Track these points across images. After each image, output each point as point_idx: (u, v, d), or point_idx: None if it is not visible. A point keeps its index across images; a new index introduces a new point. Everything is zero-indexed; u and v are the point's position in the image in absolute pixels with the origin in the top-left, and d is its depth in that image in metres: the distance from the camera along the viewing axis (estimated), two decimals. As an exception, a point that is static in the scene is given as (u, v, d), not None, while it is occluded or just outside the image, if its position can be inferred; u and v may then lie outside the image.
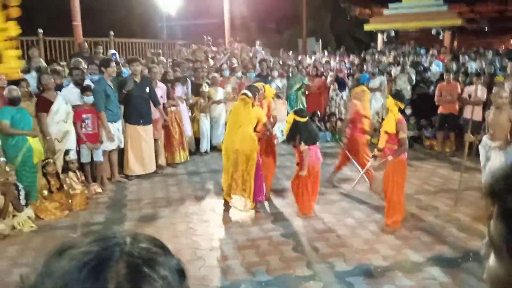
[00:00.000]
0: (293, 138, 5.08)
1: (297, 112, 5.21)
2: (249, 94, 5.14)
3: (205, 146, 8.51)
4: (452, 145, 8.39)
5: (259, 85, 5.68)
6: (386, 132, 4.76)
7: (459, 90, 8.13)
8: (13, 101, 5.27)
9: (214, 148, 8.63)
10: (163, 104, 7.30)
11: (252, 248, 4.35)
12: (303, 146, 4.99)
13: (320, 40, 20.20)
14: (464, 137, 5.75)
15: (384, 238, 4.52)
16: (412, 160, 7.74)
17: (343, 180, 6.64)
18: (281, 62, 10.78)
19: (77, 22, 10.07)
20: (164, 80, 7.66)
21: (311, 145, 5.08)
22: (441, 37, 17.64)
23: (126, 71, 7.48)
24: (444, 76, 8.46)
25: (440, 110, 8.38)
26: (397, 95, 4.87)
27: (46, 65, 7.82)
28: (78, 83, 6.37)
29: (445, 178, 6.76)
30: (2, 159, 4.68)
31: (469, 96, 7.91)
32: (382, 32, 19.08)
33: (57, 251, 0.58)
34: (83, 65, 7.19)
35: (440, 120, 8.41)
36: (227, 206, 5.32)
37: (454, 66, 9.36)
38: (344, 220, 5.07)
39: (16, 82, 5.77)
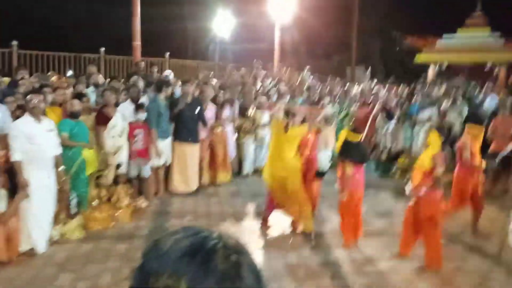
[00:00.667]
0: (344, 155, 5.01)
1: (352, 130, 5.14)
2: (280, 116, 5.25)
3: (247, 168, 8.63)
4: (505, 183, 8.00)
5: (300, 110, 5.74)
6: (420, 168, 4.58)
7: (515, 127, 7.81)
8: (74, 115, 5.60)
9: (257, 171, 8.72)
10: (210, 125, 7.52)
11: (288, 275, 4.36)
12: (349, 168, 4.91)
13: (369, 68, 20.08)
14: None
15: (425, 277, 4.39)
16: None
17: (385, 213, 6.51)
18: (328, 89, 10.83)
19: (137, 42, 10.66)
20: (214, 101, 7.91)
21: (359, 164, 4.99)
22: (495, 72, 17.05)
23: (177, 91, 7.80)
24: (500, 111, 8.17)
25: (492, 147, 8.06)
26: (440, 129, 4.81)
27: (104, 81, 8.30)
28: (134, 100, 6.72)
29: (494, 218, 6.45)
30: (62, 167, 4.99)
31: (525, 134, 7.59)
32: (434, 63, 18.71)
33: (161, 237, 0.70)
34: (141, 83, 7.58)
35: (491, 158, 8.07)
36: (265, 225, 5.46)
37: (509, 103, 9.00)
38: (385, 254, 4.97)
39: (79, 97, 6.16)
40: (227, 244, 0.69)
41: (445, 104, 9.61)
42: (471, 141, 5.39)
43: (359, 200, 5.12)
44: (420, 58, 19.25)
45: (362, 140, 5.18)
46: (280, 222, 5.67)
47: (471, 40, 17.79)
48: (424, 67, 19.86)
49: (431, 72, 18.77)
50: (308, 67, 13.45)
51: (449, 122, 9.02)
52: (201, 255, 0.65)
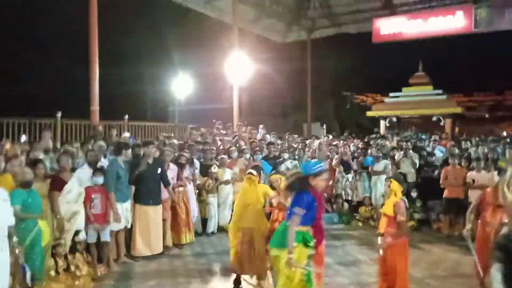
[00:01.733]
0: None
1: None
2: (254, 172, 5.43)
3: (212, 226, 8.51)
4: (460, 228, 8.31)
5: (276, 177, 5.76)
6: (385, 215, 4.75)
7: (464, 174, 8.28)
8: (26, 184, 5.34)
9: (221, 229, 8.61)
10: (172, 185, 7.45)
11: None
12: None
13: (325, 125, 20.93)
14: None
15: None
16: (421, 243, 7.68)
17: (352, 262, 6.54)
18: (287, 145, 11.11)
19: (95, 107, 10.61)
20: (175, 162, 7.90)
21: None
22: (442, 124, 18.23)
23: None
24: (450, 160, 8.67)
25: (445, 194, 8.47)
26: (397, 178, 4.93)
27: (56, 147, 8.11)
28: (92, 164, 6.59)
29: (456, 262, 6.64)
30: (15, 239, 4.72)
31: (473, 181, 8.05)
32: (384, 118, 19.81)
33: None
34: (103, 148, 7.48)
35: (446, 204, 8.46)
36: (237, 283, 5.41)
37: (456, 151, 9.61)
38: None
39: (34, 163, 5.97)
40: None
41: (398, 155, 10.10)
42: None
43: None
44: (370, 113, 20.36)
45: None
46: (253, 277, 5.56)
47: (416, 96, 19.15)
48: (376, 122, 20.96)
49: (382, 126, 19.79)
50: (262, 125, 13.85)
51: (403, 172, 9.45)
52: None
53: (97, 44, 10.33)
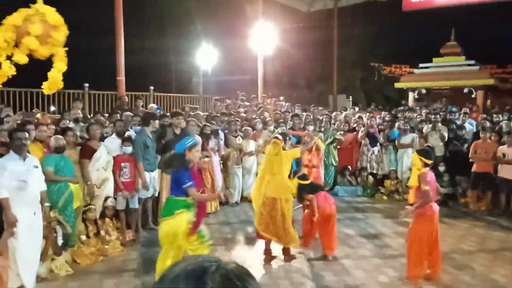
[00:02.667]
0: (301, 197, 5.66)
1: (300, 178, 5.73)
2: (280, 137, 5.42)
3: (236, 197, 8.63)
4: (488, 203, 8.17)
5: (310, 134, 6.41)
6: (412, 187, 4.89)
7: (495, 148, 8.05)
8: (58, 149, 5.58)
9: (245, 199, 8.73)
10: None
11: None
12: (310, 197, 5.49)
13: (351, 97, 20.57)
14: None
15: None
16: (447, 218, 7.58)
17: (375, 235, 6.55)
18: (312, 117, 11.01)
19: (121, 77, 10.72)
20: (201, 133, 7.97)
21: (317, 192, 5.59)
22: (473, 96, 17.62)
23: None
24: (481, 134, 8.42)
25: (474, 168, 8.27)
26: (423, 152, 4.94)
27: (86, 116, 8.29)
28: (120, 134, 6.73)
29: (481, 237, 6.55)
30: (47, 204, 4.92)
31: (504, 155, 7.82)
32: (413, 90, 19.28)
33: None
34: (129, 118, 7.62)
35: (475, 178, 8.28)
36: (269, 256, 5.49)
37: (487, 125, 9.30)
38: (376, 277, 4.98)
39: (63, 131, 6.16)
40: (225, 266, 0.76)
41: (426, 128, 9.87)
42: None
43: (327, 217, 5.48)
44: (398, 85, 19.84)
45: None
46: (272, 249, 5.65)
47: (447, 67, 18.49)
48: (403, 94, 20.44)
49: (410, 98, 19.29)
50: (282, 97, 13.71)
51: (431, 145, 9.25)
52: (197, 275, 0.72)
53: (122, 15, 10.34)
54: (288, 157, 5.45)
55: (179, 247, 4.38)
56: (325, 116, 10.67)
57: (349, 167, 9.87)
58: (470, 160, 8.31)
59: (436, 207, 4.73)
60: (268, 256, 5.50)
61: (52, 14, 4.42)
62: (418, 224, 4.68)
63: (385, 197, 9.19)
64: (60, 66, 4.75)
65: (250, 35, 14.62)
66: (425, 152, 4.92)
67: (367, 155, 9.81)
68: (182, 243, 4.35)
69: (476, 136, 8.96)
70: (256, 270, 5.25)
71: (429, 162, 4.75)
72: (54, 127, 6.59)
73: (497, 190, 8.02)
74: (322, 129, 9.88)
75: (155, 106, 10.06)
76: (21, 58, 4.68)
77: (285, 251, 5.52)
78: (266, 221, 5.31)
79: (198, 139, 5.67)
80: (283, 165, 5.33)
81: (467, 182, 8.54)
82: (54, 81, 4.84)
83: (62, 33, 4.45)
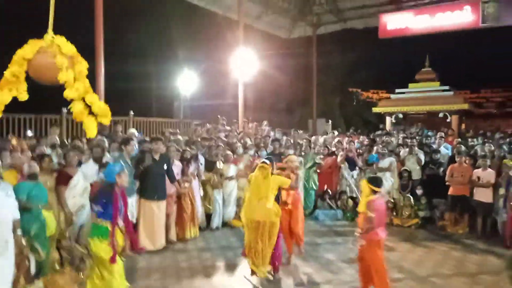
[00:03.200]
0: None
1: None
2: (267, 162, 5.43)
3: (216, 222, 8.54)
4: (465, 226, 8.30)
5: (294, 157, 6.34)
6: (360, 213, 4.92)
7: (470, 172, 8.23)
8: (31, 176, 5.45)
9: (225, 224, 8.65)
10: (178, 180, 7.49)
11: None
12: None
13: (330, 121, 20.87)
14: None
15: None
16: (426, 241, 7.66)
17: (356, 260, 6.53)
18: (292, 141, 11.10)
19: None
20: (181, 158, 7.93)
21: None
22: (448, 120, 18.10)
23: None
24: (456, 158, 8.61)
25: (451, 191, 8.42)
26: (372, 179, 5.00)
27: (64, 142, 8.18)
28: (97, 160, 6.64)
29: (459, 260, 6.61)
30: (19, 231, 4.77)
31: (478, 178, 8.01)
32: (390, 114, 19.70)
33: None
34: (105, 143, 7.53)
35: (452, 201, 8.42)
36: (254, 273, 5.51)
37: (462, 149, 9.54)
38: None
39: (40, 157, 6.05)
40: None
41: (403, 152, 10.06)
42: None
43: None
44: (376, 110, 20.27)
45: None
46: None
47: (422, 92, 19.03)
48: (381, 119, 20.86)
49: (388, 123, 19.69)
50: (265, 122, 13.81)
51: (408, 169, 9.41)
52: None
53: (102, 39, 10.34)
54: (276, 183, 5.46)
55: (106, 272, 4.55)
56: (305, 140, 10.78)
57: (329, 190, 9.91)
58: (447, 183, 8.47)
59: (382, 233, 4.82)
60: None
61: (65, 45, 4.40)
62: (369, 251, 4.75)
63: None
64: (91, 98, 4.67)
65: (231, 61, 14.79)
66: (374, 180, 5.00)
67: (347, 178, 9.90)
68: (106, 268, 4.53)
69: (451, 159, 9.15)
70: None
71: (377, 189, 4.83)
72: (29, 153, 6.47)
73: (474, 213, 8.16)
74: (303, 153, 9.96)
75: (135, 131, 9.99)
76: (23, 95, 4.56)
77: (253, 272, 5.55)
78: (250, 244, 5.37)
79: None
80: (270, 189, 5.34)
81: (444, 205, 8.67)
82: (102, 111, 4.77)
83: (83, 64, 4.41)
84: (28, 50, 4.21)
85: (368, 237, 4.73)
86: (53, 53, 4.17)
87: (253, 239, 5.36)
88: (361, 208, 4.93)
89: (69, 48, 4.29)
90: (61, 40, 4.31)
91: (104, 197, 4.48)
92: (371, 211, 4.71)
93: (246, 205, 5.57)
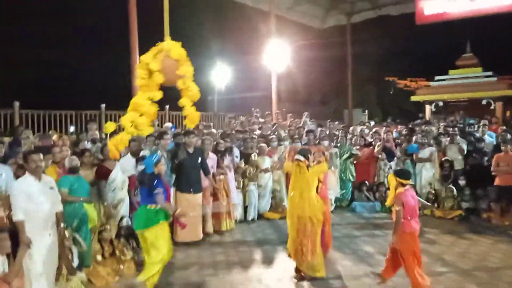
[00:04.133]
0: None
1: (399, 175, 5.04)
2: (301, 158, 5.28)
3: (252, 214, 8.55)
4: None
5: (321, 148, 6.17)
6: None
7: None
8: (73, 170, 5.62)
9: (261, 217, 8.64)
10: (213, 173, 7.53)
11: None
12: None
13: (366, 111, 20.42)
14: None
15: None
16: (469, 234, 7.36)
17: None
18: (327, 132, 10.92)
19: (137, 97, 10.85)
20: (215, 150, 7.97)
21: None
22: (492, 107, 17.29)
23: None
24: (502, 146, 8.21)
25: (497, 182, 8.04)
26: (399, 172, 4.99)
27: (102, 137, 8.40)
28: (135, 154, 6.76)
29: (505, 253, 6.30)
30: (63, 224, 4.93)
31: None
32: (430, 102, 19.03)
33: None
34: (143, 137, 7.65)
35: (498, 192, 8.03)
36: (300, 276, 5.33)
37: (508, 137, 9.06)
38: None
39: (81, 153, 6.24)
40: None
41: (444, 141, 9.68)
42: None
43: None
44: (415, 98, 19.63)
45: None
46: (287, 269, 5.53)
47: (464, 79, 18.24)
48: (420, 107, 20.20)
49: (427, 111, 19.04)
50: (306, 113, 13.66)
51: (450, 158, 9.06)
52: None
53: (137, 35, 10.53)
54: (314, 174, 5.31)
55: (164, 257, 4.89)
56: (341, 131, 10.57)
57: (366, 182, 9.69)
58: (493, 173, 8.08)
59: (415, 224, 4.72)
60: (299, 275, 5.38)
61: (176, 49, 4.88)
62: (402, 242, 4.66)
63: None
64: (186, 101, 5.12)
65: (264, 53, 14.70)
66: (401, 172, 4.96)
67: (385, 170, 9.63)
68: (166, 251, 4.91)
69: (496, 148, 8.73)
70: (273, 290, 5.15)
71: (406, 182, 4.77)
72: (68, 148, 6.68)
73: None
74: (338, 144, 9.78)
75: (170, 124, 10.12)
76: (156, 95, 5.07)
77: (297, 270, 5.39)
78: (295, 240, 5.26)
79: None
80: (310, 183, 5.23)
81: (490, 196, 8.30)
82: (192, 116, 5.25)
83: (187, 67, 4.83)
84: (149, 54, 4.86)
85: (402, 229, 4.65)
86: (166, 57, 4.80)
87: (298, 236, 5.23)
88: (389, 202, 4.90)
89: (179, 52, 4.84)
90: (173, 44, 4.85)
91: (158, 182, 4.88)
92: (398, 205, 4.66)
93: (289, 202, 5.46)
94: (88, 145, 7.47)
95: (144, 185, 5.04)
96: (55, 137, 7.82)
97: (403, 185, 4.76)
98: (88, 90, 19.02)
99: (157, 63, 4.83)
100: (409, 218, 4.64)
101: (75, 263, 5.22)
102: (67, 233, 5.06)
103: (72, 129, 11.73)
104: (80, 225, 5.44)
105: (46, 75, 18.98)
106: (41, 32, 19.76)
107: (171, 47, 4.79)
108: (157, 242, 4.85)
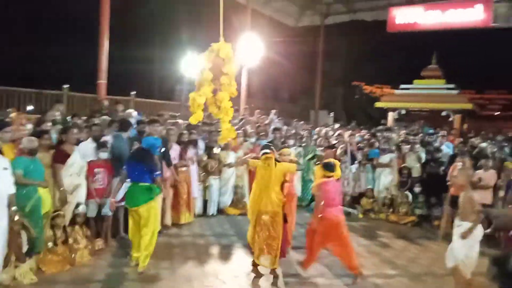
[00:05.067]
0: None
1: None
2: (268, 151, 5.29)
3: (212, 209, 8.52)
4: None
5: (288, 151, 6.22)
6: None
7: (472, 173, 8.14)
8: (31, 152, 5.37)
9: (221, 212, 8.62)
10: (175, 164, 7.43)
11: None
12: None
13: (332, 113, 20.75)
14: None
15: None
16: (421, 239, 7.64)
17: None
18: (294, 131, 11.02)
19: (103, 81, 10.57)
20: (178, 141, 7.86)
21: None
22: (451, 119, 17.99)
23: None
24: (458, 158, 8.52)
25: (452, 191, 8.36)
26: (325, 165, 5.56)
27: (65, 119, 8.10)
28: (96, 139, 6.56)
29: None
30: (14, 207, 4.73)
31: (479, 179, 7.93)
32: (393, 110, 19.57)
33: None
34: (105, 122, 7.45)
35: (451, 201, 8.35)
36: (257, 271, 5.37)
37: (465, 149, 9.45)
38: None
39: (39, 133, 5.97)
40: None
41: (404, 149, 9.98)
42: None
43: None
44: (379, 104, 20.12)
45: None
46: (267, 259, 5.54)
47: (426, 89, 18.86)
48: (383, 114, 20.74)
49: (390, 118, 19.57)
50: (274, 110, 13.71)
51: (408, 166, 9.35)
52: None
53: (107, 18, 10.24)
54: (281, 170, 5.31)
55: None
56: (306, 131, 10.69)
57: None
58: (448, 183, 8.40)
59: (335, 212, 5.37)
60: (256, 270, 5.41)
61: (224, 49, 5.38)
62: (318, 225, 5.35)
63: (360, 215, 9.21)
64: (225, 95, 5.41)
65: (236, 46, 14.60)
66: (326, 165, 5.53)
67: (345, 172, 9.82)
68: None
69: (452, 158, 9.08)
70: (229, 285, 5.15)
71: (329, 174, 5.44)
72: (28, 127, 6.40)
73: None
74: (303, 144, 9.88)
75: (134, 112, 9.89)
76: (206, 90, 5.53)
77: (254, 264, 5.41)
78: (254, 235, 5.33)
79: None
80: (275, 178, 5.24)
81: (442, 204, 8.63)
82: (227, 132, 5.89)
83: (231, 66, 5.44)
84: (206, 53, 5.49)
85: (320, 214, 5.30)
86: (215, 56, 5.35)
87: (265, 231, 5.26)
88: (313, 189, 5.60)
89: (226, 52, 5.37)
90: (223, 45, 5.40)
91: (150, 164, 5.40)
92: (318, 191, 5.38)
93: (253, 197, 5.47)
94: (48, 126, 7.18)
95: (144, 164, 5.38)
96: (13, 114, 7.46)
97: (328, 177, 5.42)
98: (52, 69, 18.30)
99: (208, 62, 5.44)
100: (326, 206, 5.27)
101: (25, 249, 5.03)
102: (16, 217, 4.86)
103: (30, 107, 11.25)
104: (33, 210, 5.23)
105: (8, 53, 18.14)
106: (7, 8, 18.86)
107: (220, 47, 5.40)
108: (150, 217, 5.31)
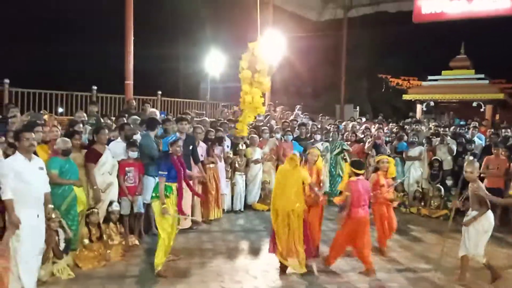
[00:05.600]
0: None
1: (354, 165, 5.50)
2: (297, 154, 5.44)
3: (238, 205, 8.56)
4: (496, 219, 8.01)
5: (316, 152, 6.00)
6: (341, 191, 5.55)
7: (507, 164, 7.93)
8: (65, 152, 5.54)
9: (249, 207, 8.66)
10: (202, 161, 7.51)
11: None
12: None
13: (358, 107, 20.48)
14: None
15: None
16: (454, 233, 7.45)
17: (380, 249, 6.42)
18: (319, 126, 10.94)
19: (129, 81, 10.76)
20: (205, 139, 7.93)
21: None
22: (482, 110, 17.48)
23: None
24: (493, 149, 8.30)
25: (485, 183, 8.14)
26: (354, 163, 5.53)
27: (99, 119, 8.32)
28: (128, 138, 6.70)
29: (488, 254, 6.37)
30: (51, 206, 4.88)
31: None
32: (421, 102, 19.16)
33: None
34: (135, 121, 7.60)
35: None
36: (283, 270, 5.34)
37: (499, 140, 9.16)
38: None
39: (70, 134, 6.14)
40: None
41: (435, 141, 9.77)
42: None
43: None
44: (406, 97, 19.73)
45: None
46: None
47: (456, 80, 18.37)
48: (410, 107, 20.33)
49: (418, 111, 19.18)
50: (299, 106, 13.64)
51: (439, 158, 9.15)
52: None
53: (131, 20, 10.41)
54: (300, 176, 5.29)
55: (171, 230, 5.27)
56: (333, 126, 10.60)
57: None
58: (481, 175, 8.19)
59: (362, 212, 5.23)
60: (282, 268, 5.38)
61: (258, 48, 5.85)
62: (344, 226, 5.30)
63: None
64: (257, 92, 5.70)
65: (259, 43, 14.59)
66: (355, 163, 5.49)
67: (374, 166, 9.69)
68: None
69: (485, 150, 8.83)
70: (259, 280, 5.18)
71: (358, 172, 5.32)
72: (59, 129, 6.59)
73: (507, 207, 7.88)
74: (330, 139, 9.81)
75: (157, 111, 9.98)
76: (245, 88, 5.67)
77: (281, 267, 5.37)
78: (279, 235, 5.28)
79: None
80: (298, 179, 5.24)
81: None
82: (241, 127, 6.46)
83: (263, 63, 5.87)
84: (247, 52, 5.70)
85: (348, 214, 5.20)
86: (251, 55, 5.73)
87: (288, 231, 5.24)
88: (341, 187, 5.45)
89: (259, 50, 5.69)
90: (258, 44, 5.69)
91: (165, 163, 5.22)
92: (347, 190, 5.22)
93: (276, 197, 5.46)
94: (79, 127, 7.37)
95: (159, 160, 5.68)
96: (46, 116, 7.70)
97: (357, 174, 5.29)
98: (81, 71, 18.79)
99: (246, 61, 5.76)
100: (354, 206, 5.17)
101: (62, 246, 5.19)
102: (53, 215, 5.03)
103: (61, 109, 11.58)
104: (69, 208, 5.40)
105: (38, 53, 18.69)
106: (36, 10, 19.43)
107: (255, 46, 5.65)
108: (155, 215, 5.34)
